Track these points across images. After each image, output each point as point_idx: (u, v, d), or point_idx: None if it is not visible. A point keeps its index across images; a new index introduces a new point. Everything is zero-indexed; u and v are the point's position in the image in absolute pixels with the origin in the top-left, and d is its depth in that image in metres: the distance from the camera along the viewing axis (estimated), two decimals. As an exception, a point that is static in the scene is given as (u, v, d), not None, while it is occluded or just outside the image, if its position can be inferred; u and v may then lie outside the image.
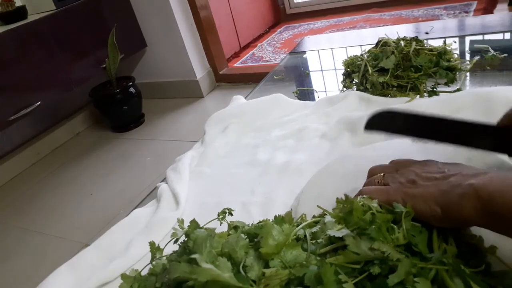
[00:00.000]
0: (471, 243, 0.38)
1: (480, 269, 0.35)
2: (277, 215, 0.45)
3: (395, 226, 0.36)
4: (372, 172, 0.48)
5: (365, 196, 0.41)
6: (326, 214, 0.43)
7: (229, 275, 0.34)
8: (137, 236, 0.61)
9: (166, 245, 0.48)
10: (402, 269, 0.33)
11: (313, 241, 0.39)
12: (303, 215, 0.47)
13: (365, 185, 0.47)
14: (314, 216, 0.45)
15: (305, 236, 0.39)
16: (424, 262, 0.34)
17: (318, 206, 0.44)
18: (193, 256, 0.35)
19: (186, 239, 0.41)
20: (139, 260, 0.57)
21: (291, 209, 0.56)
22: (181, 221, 0.46)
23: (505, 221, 0.33)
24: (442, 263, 0.34)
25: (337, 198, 0.41)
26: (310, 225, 0.42)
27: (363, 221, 0.36)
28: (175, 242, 0.45)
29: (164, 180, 0.76)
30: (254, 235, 0.40)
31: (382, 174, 0.45)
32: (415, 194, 0.38)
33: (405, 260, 0.33)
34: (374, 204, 0.38)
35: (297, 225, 0.42)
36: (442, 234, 0.38)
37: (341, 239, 0.36)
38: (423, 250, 0.35)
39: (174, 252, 0.44)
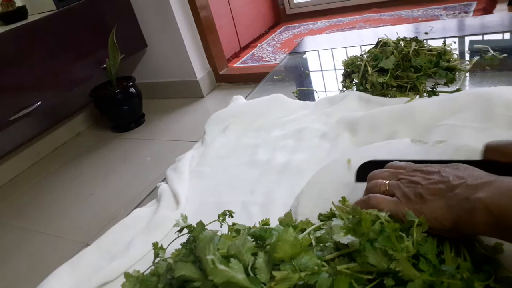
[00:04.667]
0: (482, 252, 0.38)
1: (490, 281, 0.35)
2: (280, 218, 0.45)
3: (403, 235, 0.36)
4: (372, 177, 0.48)
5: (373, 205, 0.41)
6: (332, 215, 0.43)
7: (243, 277, 0.34)
8: (137, 236, 0.61)
9: (169, 245, 0.48)
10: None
11: (320, 245, 0.39)
12: (308, 219, 0.47)
13: (367, 189, 0.46)
14: (320, 215, 0.45)
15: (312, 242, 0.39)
16: (434, 271, 0.34)
17: (332, 203, 0.43)
18: (208, 257, 0.35)
19: (191, 240, 0.41)
20: (139, 260, 0.57)
21: (290, 209, 0.56)
22: (184, 217, 0.46)
23: None
24: (455, 278, 0.34)
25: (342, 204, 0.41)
26: (315, 229, 0.42)
27: (372, 231, 0.36)
28: (180, 231, 0.45)
29: (164, 180, 0.76)
30: (260, 238, 0.40)
31: (387, 182, 0.44)
32: (424, 211, 0.38)
33: (417, 280, 0.33)
34: (382, 214, 0.38)
35: (301, 228, 0.42)
36: (455, 246, 0.37)
37: (347, 246, 0.37)
38: (433, 259, 0.35)
39: (176, 250, 0.45)
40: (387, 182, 0.44)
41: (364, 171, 0.50)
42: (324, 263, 0.37)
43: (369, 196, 0.44)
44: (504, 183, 0.35)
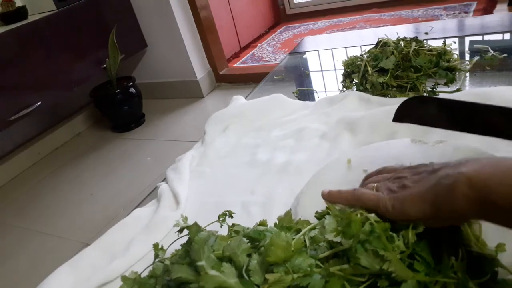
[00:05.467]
0: (480, 252, 0.38)
1: (485, 278, 0.35)
2: (277, 221, 0.45)
3: (394, 235, 0.36)
4: (365, 182, 0.48)
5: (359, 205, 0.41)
6: (327, 213, 0.43)
7: (235, 281, 0.34)
8: (138, 236, 0.61)
9: (170, 245, 0.48)
10: None
11: (314, 245, 0.39)
12: (303, 220, 0.47)
13: None
14: (316, 212, 0.45)
15: (305, 241, 0.39)
16: (429, 270, 0.34)
17: (326, 202, 0.44)
18: (199, 263, 0.35)
19: (188, 241, 0.41)
20: (139, 260, 0.58)
21: (291, 209, 0.56)
22: (185, 218, 0.46)
23: (503, 211, 0.30)
24: (449, 277, 0.34)
25: (331, 208, 0.41)
26: (310, 229, 0.42)
27: (363, 232, 0.35)
28: (180, 231, 0.45)
29: (164, 180, 0.76)
30: (254, 239, 0.40)
31: (375, 184, 0.44)
32: (403, 198, 0.37)
33: (410, 280, 0.33)
34: (372, 215, 0.38)
35: (297, 230, 0.42)
36: (452, 246, 0.37)
37: (341, 244, 0.37)
38: (427, 258, 0.35)
39: (176, 250, 0.45)
40: (375, 184, 0.44)
41: (407, 110, 0.45)
42: (318, 263, 0.37)
43: (355, 189, 0.43)
44: (488, 159, 0.33)
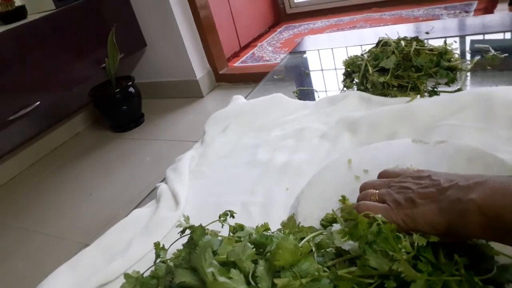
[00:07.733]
0: (476, 248, 0.38)
1: (490, 275, 0.35)
2: (283, 223, 0.44)
3: (400, 235, 0.36)
4: (363, 188, 0.47)
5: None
6: (333, 220, 0.42)
7: None
8: (137, 236, 0.61)
9: (170, 245, 0.48)
10: None
11: (321, 250, 0.39)
12: (307, 227, 0.46)
13: (358, 200, 0.46)
14: (322, 220, 0.44)
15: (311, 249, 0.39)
16: (433, 269, 0.34)
17: (333, 210, 0.43)
18: (208, 270, 0.35)
19: (192, 243, 0.41)
20: (139, 260, 0.57)
21: (293, 214, 0.56)
22: (187, 218, 0.46)
23: None
24: (453, 275, 0.34)
25: (334, 212, 0.41)
26: (315, 235, 0.41)
27: (370, 233, 0.35)
28: (182, 232, 0.45)
29: (164, 180, 0.76)
30: (261, 244, 0.40)
31: (376, 191, 0.44)
32: (415, 216, 0.37)
33: (419, 280, 0.33)
34: (378, 215, 0.38)
35: (301, 238, 0.42)
36: (447, 244, 0.37)
37: (349, 252, 0.36)
38: (431, 258, 0.35)
39: (178, 250, 0.44)
40: (376, 191, 0.44)
41: None
42: (325, 269, 0.36)
43: (359, 203, 0.43)
44: (496, 182, 0.34)
